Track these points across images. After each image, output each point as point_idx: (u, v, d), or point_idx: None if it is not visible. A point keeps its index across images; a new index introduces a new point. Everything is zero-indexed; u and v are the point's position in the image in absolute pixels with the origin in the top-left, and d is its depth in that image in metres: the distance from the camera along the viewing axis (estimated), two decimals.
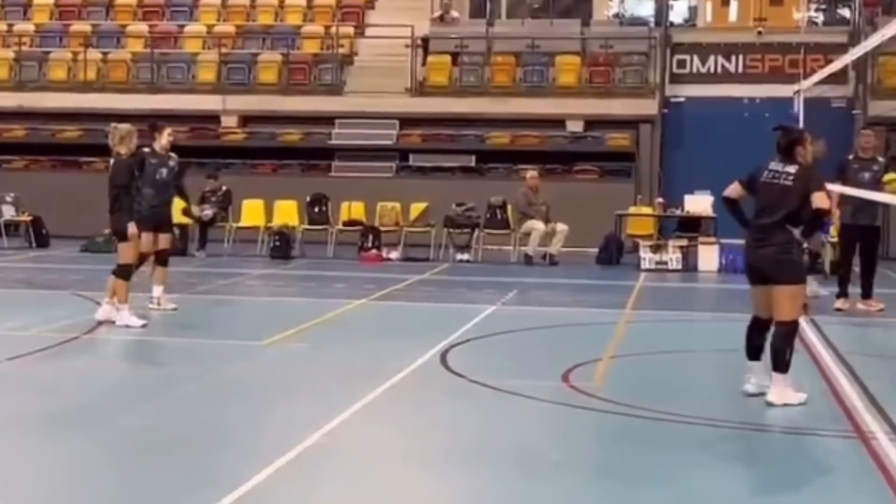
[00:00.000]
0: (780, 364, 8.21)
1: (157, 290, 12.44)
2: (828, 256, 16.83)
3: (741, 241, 18.56)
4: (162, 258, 12.49)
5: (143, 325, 11.20)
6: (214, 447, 6.92)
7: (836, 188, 13.13)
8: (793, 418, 7.97)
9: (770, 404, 8.19)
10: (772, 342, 8.30)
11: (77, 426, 7.41)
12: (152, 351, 10.49)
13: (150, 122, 13.06)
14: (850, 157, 13.38)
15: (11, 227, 20.65)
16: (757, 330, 8.46)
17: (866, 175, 13.03)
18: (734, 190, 8.55)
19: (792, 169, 8.29)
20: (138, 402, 8.21)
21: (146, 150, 12.52)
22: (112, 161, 11.58)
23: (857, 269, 13.70)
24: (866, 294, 13.37)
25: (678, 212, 19.37)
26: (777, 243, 8.23)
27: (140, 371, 9.81)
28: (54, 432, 7.25)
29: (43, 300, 13.45)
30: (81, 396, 8.37)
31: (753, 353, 8.48)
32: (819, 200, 8.19)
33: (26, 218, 20.54)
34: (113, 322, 11.28)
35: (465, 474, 6.51)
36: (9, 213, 20.53)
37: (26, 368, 9.40)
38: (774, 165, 8.39)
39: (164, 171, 12.49)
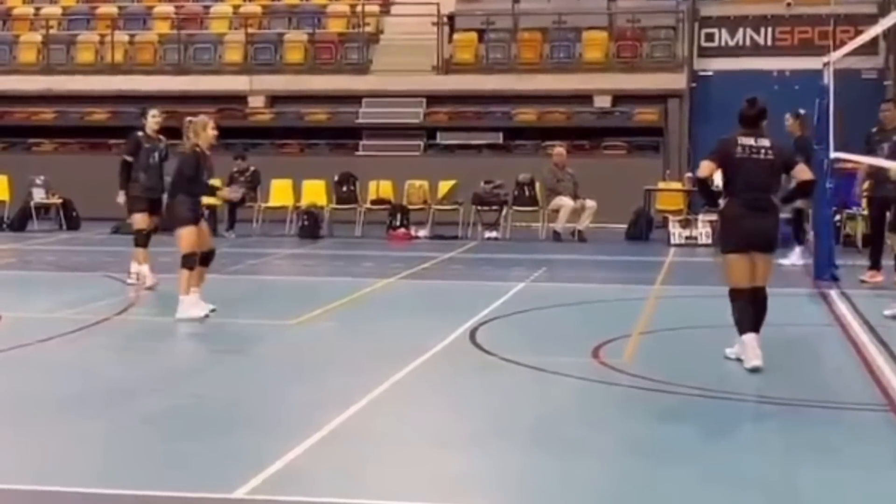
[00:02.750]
0: (760, 327, 8.59)
1: (140, 267, 12.63)
2: (859, 230, 16.74)
3: None
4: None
5: (206, 316, 10.66)
6: (245, 427, 6.95)
7: (865, 159, 13.05)
8: (824, 392, 7.94)
9: (756, 370, 8.39)
10: (762, 307, 8.59)
11: (109, 407, 7.46)
12: (183, 331, 10.53)
13: (140, 106, 13.14)
14: (874, 129, 13.32)
15: (42, 210, 20.77)
16: (747, 301, 8.56)
17: (886, 147, 12.96)
18: (709, 168, 8.57)
19: (767, 143, 8.52)
20: (170, 383, 8.25)
21: (139, 133, 12.70)
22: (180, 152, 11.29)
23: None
24: None
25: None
26: (775, 215, 8.60)
27: (171, 352, 9.86)
28: (86, 413, 7.30)
29: (74, 282, 13.54)
30: (113, 377, 8.43)
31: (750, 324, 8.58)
32: (804, 173, 8.64)
33: (56, 200, 20.66)
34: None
35: (496, 451, 6.52)
36: (39, 195, 20.66)
37: (58, 350, 9.48)
38: (746, 140, 8.52)
39: (156, 154, 12.71)
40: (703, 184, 8.67)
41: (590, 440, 6.71)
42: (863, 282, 13.12)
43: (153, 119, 12.90)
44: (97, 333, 10.18)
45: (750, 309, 8.53)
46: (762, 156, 8.47)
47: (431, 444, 6.71)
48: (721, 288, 9.31)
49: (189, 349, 9.97)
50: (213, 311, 10.81)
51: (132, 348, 9.77)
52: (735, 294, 8.59)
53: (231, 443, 6.59)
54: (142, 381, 8.32)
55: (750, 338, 8.49)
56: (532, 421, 7.16)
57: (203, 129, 11.05)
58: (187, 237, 10.93)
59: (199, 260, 10.97)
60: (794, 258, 15.06)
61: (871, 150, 12.95)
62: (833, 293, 12.46)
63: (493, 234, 19.08)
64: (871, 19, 19.98)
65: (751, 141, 8.52)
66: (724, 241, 8.76)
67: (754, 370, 8.40)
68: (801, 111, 14.75)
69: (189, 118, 11.28)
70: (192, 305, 10.74)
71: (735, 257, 8.57)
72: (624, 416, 7.35)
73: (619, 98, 22.44)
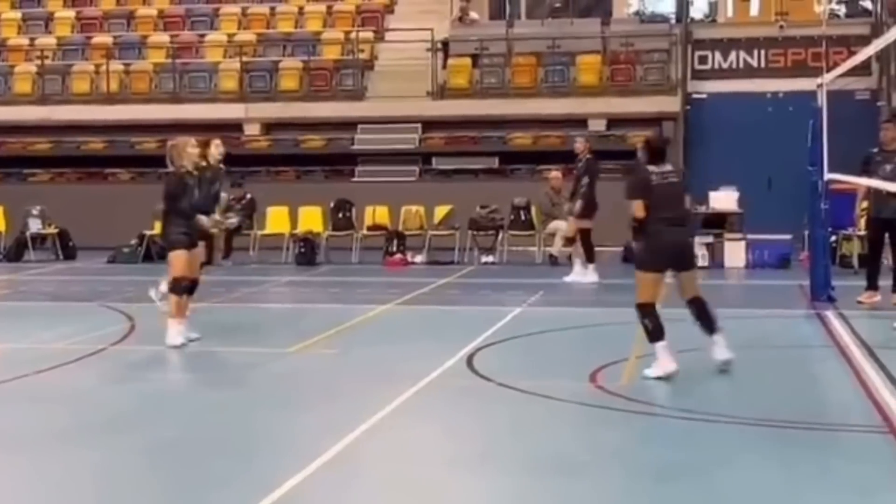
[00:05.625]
0: (717, 325, 9.28)
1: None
2: (855, 250, 16.76)
3: (769, 237, 18.49)
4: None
5: (184, 344, 10.77)
6: (243, 455, 6.95)
7: (860, 181, 13.07)
8: (823, 414, 7.94)
9: (728, 361, 9.09)
10: (707, 311, 9.26)
11: (106, 437, 7.46)
12: (181, 360, 10.53)
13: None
14: (875, 150, 13.34)
15: (38, 240, 20.75)
16: (655, 311, 9.18)
17: (888, 168, 12.97)
18: (643, 207, 9.16)
19: (670, 167, 9.32)
20: (169, 412, 8.25)
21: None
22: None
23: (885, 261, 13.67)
24: None
25: (703, 208, 19.29)
26: (690, 232, 9.48)
27: (169, 380, 9.86)
28: (83, 444, 7.29)
29: (70, 312, 13.52)
30: (112, 407, 8.43)
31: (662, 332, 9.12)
32: (638, 210, 9.14)
33: (53, 230, 20.65)
34: None
35: (495, 478, 6.51)
36: (35, 226, 20.65)
37: (56, 380, 9.47)
38: (655, 169, 9.24)
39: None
40: (643, 223, 9.18)
41: (588, 465, 6.71)
42: (860, 303, 13.12)
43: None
44: (94, 364, 10.17)
45: (658, 317, 9.12)
46: (671, 178, 9.23)
47: (431, 470, 6.71)
48: (718, 310, 9.36)
49: (187, 379, 9.97)
50: (196, 339, 10.90)
51: (129, 378, 9.76)
52: (644, 308, 9.14)
53: (229, 472, 6.59)
54: (139, 411, 8.32)
55: (662, 345, 9.02)
56: (531, 446, 7.16)
57: (184, 150, 11.04)
58: (177, 261, 10.90)
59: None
60: (578, 275, 16.18)
61: (870, 171, 12.95)
62: (830, 314, 12.46)
63: (490, 258, 19.09)
64: (864, 40, 20.07)
65: (659, 168, 9.23)
66: (643, 260, 9.29)
67: (670, 376, 8.87)
68: (587, 136, 15.71)
69: (170, 142, 11.31)
70: (174, 332, 10.78)
71: (650, 276, 9.15)
72: (623, 440, 7.34)
73: (614, 121, 22.49)
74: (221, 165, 13.08)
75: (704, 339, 9.28)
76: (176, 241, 10.96)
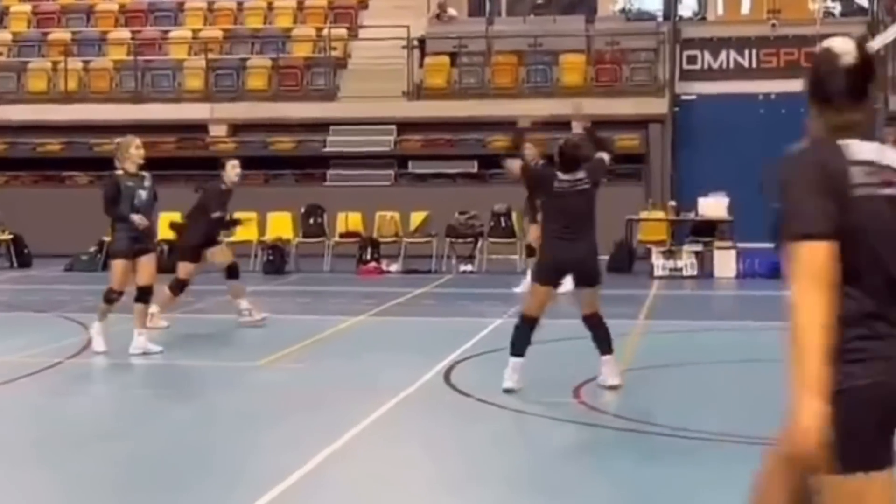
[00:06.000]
0: (611, 346, 9.18)
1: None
2: None
3: (760, 245, 18.60)
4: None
5: (102, 352, 10.87)
6: (209, 475, 6.93)
7: None
8: None
9: (615, 387, 8.97)
10: (602, 330, 9.13)
11: (62, 456, 7.42)
12: (143, 374, 10.50)
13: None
14: None
15: None
16: (533, 330, 9.07)
17: None
18: (518, 168, 9.54)
19: (583, 174, 9.11)
20: (128, 429, 8.21)
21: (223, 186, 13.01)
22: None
23: None
24: None
25: (692, 215, 19.37)
26: (593, 247, 9.14)
27: (130, 396, 9.81)
28: (38, 464, 7.27)
29: (25, 323, 13.46)
30: (66, 425, 8.39)
31: (524, 350, 9.06)
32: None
33: (6, 237, 20.54)
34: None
35: (473, 497, 6.52)
36: None
37: (9, 395, 9.42)
38: (566, 176, 9.10)
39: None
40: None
41: (571, 483, 6.72)
42: None
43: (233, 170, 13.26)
44: (50, 378, 10.12)
45: (531, 335, 9.03)
46: (580, 187, 9.10)
47: (408, 491, 6.70)
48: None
49: (147, 394, 9.92)
50: (159, 352, 10.93)
51: (85, 394, 9.73)
52: (525, 319, 9.10)
53: (195, 493, 6.57)
54: (97, 428, 8.28)
55: (515, 361, 8.99)
56: (512, 465, 7.16)
57: (126, 151, 11.02)
58: (113, 271, 10.98)
59: (137, 296, 10.93)
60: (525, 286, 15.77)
61: None
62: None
63: (469, 267, 19.12)
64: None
65: (570, 176, 9.10)
66: (535, 270, 9.53)
67: (508, 391, 8.83)
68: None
69: (116, 140, 11.32)
70: (97, 335, 10.91)
71: (538, 288, 9.15)
72: (608, 458, 7.36)
73: (599, 124, 22.30)
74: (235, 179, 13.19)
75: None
76: (115, 251, 11.09)
